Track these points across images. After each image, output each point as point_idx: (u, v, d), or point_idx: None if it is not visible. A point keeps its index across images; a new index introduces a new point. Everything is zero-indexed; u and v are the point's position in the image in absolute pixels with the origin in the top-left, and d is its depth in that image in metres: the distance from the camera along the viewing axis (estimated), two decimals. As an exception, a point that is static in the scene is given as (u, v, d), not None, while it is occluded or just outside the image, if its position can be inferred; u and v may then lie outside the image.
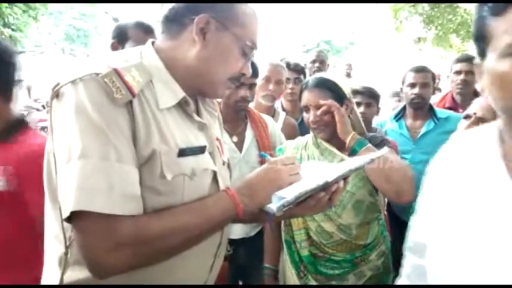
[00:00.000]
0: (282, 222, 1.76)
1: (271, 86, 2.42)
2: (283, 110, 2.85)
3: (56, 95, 0.87)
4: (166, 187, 0.92)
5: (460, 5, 10.12)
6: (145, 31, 2.01)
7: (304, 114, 1.71)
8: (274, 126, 2.20)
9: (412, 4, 10.83)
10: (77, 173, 0.80)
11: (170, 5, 1.03)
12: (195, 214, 0.93)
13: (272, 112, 2.50)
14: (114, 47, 2.04)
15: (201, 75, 1.02)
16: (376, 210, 1.71)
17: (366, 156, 1.15)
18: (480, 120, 1.62)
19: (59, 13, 26.14)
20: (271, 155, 1.71)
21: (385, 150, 1.19)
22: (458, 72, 3.03)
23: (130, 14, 17.02)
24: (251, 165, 1.99)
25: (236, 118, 2.06)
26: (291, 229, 1.72)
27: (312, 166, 1.16)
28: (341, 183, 1.05)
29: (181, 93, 0.99)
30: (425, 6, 10.89)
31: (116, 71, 0.87)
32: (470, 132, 0.97)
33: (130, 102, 0.88)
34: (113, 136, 0.84)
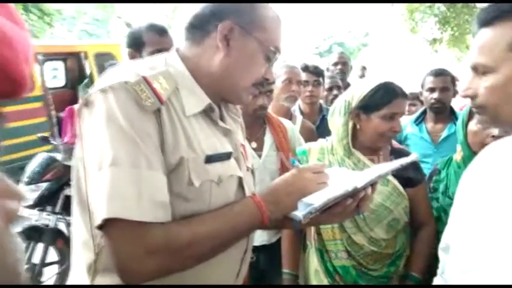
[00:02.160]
0: (313, 229, 1.72)
1: (293, 87, 2.43)
2: (301, 113, 2.83)
3: (86, 103, 0.88)
4: (194, 194, 0.92)
5: (477, 5, 9.98)
6: (159, 33, 1.97)
7: (383, 121, 1.60)
8: (294, 130, 2.18)
9: (428, 5, 10.71)
10: (108, 181, 0.80)
11: (194, 11, 1.03)
12: (223, 221, 0.93)
13: (289, 116, 2.48)
14: (131, 56, 1.98)
15: (225, 82, 1.02)
16: (407, 229, 1.71)
17: (395, 162, 1.13)
18: None
19: (72, 18, 26.43)
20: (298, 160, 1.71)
21: (414, 156, 1.17)
22: None
23: (142, 18, 17.12)
24: (271, 171, 1.98)
25: (254, 124, 2.05)
26: (322, 238, 1.68)
27: (337, 172, 1.14)
28: (369, 189, 1.03)
29: (206, 100, 0.99)
30: (441, 6, 10.76)
31: (145, 79, 0.88)
32: (507, 141, 0.98)
33: (159, 109, 0.88)
34: (143, 144, 0.84)
